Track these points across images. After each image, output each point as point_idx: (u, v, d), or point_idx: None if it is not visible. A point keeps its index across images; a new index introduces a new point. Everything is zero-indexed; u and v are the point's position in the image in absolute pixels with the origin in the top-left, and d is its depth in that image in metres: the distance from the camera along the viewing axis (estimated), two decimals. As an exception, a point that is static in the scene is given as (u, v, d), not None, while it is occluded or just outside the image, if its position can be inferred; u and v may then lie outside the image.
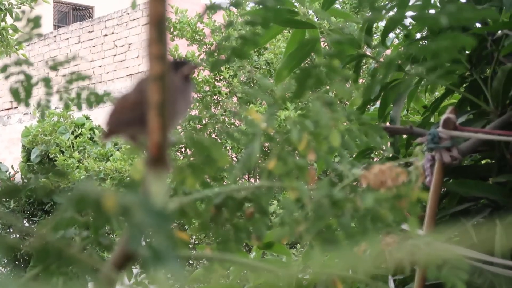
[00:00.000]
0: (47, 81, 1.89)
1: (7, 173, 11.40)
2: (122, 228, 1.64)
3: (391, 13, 1.35)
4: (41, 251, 1.17)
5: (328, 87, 1.82)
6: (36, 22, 1.76)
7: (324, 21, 1.38)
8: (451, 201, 3.13)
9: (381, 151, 3.28)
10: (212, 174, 1.65)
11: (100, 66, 14.98)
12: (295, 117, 1.81)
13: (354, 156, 3.41)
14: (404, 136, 3.59)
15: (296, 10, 4.05)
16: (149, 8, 1.14)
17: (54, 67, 1.89)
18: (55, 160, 9.83)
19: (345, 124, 2.02)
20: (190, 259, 1.83)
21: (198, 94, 8.60)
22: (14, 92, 1.85)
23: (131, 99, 1.34)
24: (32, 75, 1.86)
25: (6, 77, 1.86)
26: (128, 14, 14.10)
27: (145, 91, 1.25)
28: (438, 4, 3.38)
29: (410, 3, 1.40)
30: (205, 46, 8.81)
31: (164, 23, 1.17)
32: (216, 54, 1.58)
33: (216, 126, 1.76)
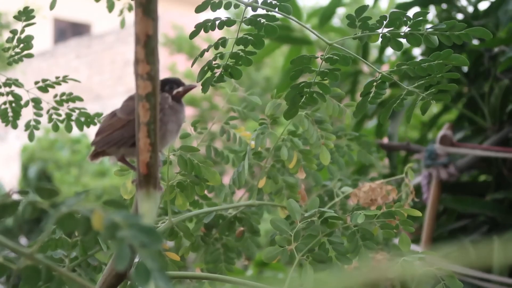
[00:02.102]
0: (36, 102, 1.88)
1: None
2: (111, 248, 1.63)
3: (386, 30, 1.35)
4: (29, 272, 1.16)
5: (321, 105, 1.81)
6: (27, 42, 1.75)
7: (322, 38, 1.37)
8: (449, 218, 3.12)
9: (378, 168, 3.27)
10: (203, 193, 1.64)
11: (99, 82, 15.00)
12: (285, 135, 1.81)
13: (351, 173, 3.40)
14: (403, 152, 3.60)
15: (291, 26, 4.06)
16: (137, 27, 1.14)
17: (44, 89, 1.88)
18: (53, 177, 9.83)
19: (343, 141, 2.02)
20: (183, 278, 1.82)
21: (196, 109, 8.61)
22: (2, 113, 1.84)
23: (119, 118, 1.33)
24: (21, 96, 1.85)
25: None
26: (126, 30, 14.14)
27: (133, 111, 1.24)
28: (437, 19, 3.39)
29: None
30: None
31: (154, 42, 1.16)
32: (209, 72, 1.57)
33: (211, 144, 1.75)
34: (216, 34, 1.51)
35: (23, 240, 8.05)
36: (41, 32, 17.51)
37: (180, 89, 1.38)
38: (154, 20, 1.14)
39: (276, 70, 8.53)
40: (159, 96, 1.20)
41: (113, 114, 1.35)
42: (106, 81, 15.17)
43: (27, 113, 1.91)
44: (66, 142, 10.52)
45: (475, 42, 3.15)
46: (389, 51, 3.86)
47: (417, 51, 3.58)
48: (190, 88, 1.39)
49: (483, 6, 4.06)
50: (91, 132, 1.46)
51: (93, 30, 18.88)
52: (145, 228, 0.88)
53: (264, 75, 9.05)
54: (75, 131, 1.95)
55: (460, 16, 3.20)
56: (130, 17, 1.46)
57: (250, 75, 8.50)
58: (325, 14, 3.85)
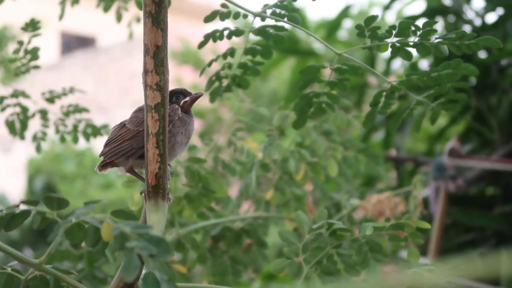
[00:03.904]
0: (43, 113, 1.88)
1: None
2: (118, 260, 1.62)
3: (395, 40, 1.34)
4: (37, 282, 1.15)
5: (329, 116, 1.81)
6: (34, 53, 1.75)
7: (330, 47, 1.37)
8: (457, 231, 3.11)
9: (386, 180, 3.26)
10: (210, 205, 1.64)
11: (104, 94, 15.00)
12: (293, 147, 1.80)
13: (358, 185, 3.39)
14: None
15: (298, 38, 4.07)
16: (146, 38, 1.13)
17: (51, 100, 1.88)
18: (58, 189, 9.82)
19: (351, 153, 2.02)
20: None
21: (202, 121, 8.60)
22: (10, 125, 1.84)
23: (128, 129, 1.32)
24: (28, 107, 1.85)
25: (3, 109, 1.85)
26: (132, 41, 14.15)
27: (143, 122, 1.23)
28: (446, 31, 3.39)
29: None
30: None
31: (163, 53, 1.16)
32: (217, 82, 1.57)
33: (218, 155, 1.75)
34: (222, 47, 1.50)
35: (28, 252, 8.05)
36: (48, 45, 17.53)
37: (187, 99, 1.37)
38: (164, 31, 1.13)
39: (282, 83, 8.52)
40: (168, 107, 1.20)
41: (122, 125, 1.34)
42: (112, 93, 15.17)
43: (34, 126, 1.91)
44: (72, 155, 10.51)
45: (483, 55, 3.15)
46: (395, 65, 3.86)
47: (424, 65, 3.58)
48: (197, 97, 1.38)
49: (490, 18, 4.07)
50: (97, 145, 1.44)
51: (99, 43, 18.91)
52: (154, 238, 0.88)
53: (270, 87, 9.03)
54: (80, 144, 1.95)
55: (467, 28, 3.20)
56: (137, 29, 1.46)
57: (256, 87, 8.49)
58: (332, 26, 3.85)
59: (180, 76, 10.15)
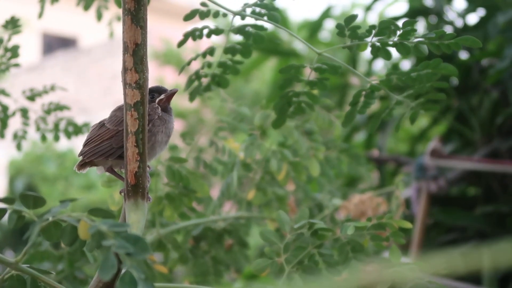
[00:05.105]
0: (24, 111, 1.87)
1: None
2: (98, 260, 1.61)
3: (375, 39, 1.34)
4: (14, 282, 1.14)
5: (309, 115, 1.81)
6: (14, 51, 1.74)
7: (311, 47, 1.36)
8: (439, 231, 3.12)
9: (368, 180, 3.26)
10: (191, 205, 1.63)
11: (86, 95, 14.94)
12: (275, 146, 1.80)
13: (341, 185, 3.38)
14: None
15: (279, 38, 4.07)
16: (125, 36, 1.12)
17: (32, 98, 1.87)
18: (39, 191, 9.77)
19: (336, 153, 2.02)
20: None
21: (183, 122, 8.60)
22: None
23: (108, 129, 1.31)
24: (8, 106, 1.83)
25: None
26: (114, 42, 14.08)
27: (122, 121, 1.22)
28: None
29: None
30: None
31: (143, 51, 1.15)
32: (196, 81, 1.56)
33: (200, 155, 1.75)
34: (204, 48, 1.49)
35: (9, 254, 7.99)
36: (29, 46, 17.45)
37: (163, 96, 1.35)
38: (143, 29, 1.12)
39: (264, 84, 8.52)
40: (148, 105, 1.19)
41: (102, 124, 1.33)
42: (93, 94, 15.12)
43: (14, 125, 1.90)
44: (53, 156, 10.46)
45: (464, 55, 3.16)
46: (377, 66, 3.87)
47: (406, 67, 3.59)
48: (172, 93, 1.36)
49: (472, 20, 4.08)
50: (78, 146, 1.43)
51: (80, 44, 18.84)
52: (131, 237, 0.87)
53: (252, 88, 9.03)
54: (62, 145, 1.93)
55: (449, 29, 3.21)
56: (118, 28, 1.44)
57: (238, 88, 8.48)
58: (314, 27, 3.86)
59: (162, 77, 10.13)
